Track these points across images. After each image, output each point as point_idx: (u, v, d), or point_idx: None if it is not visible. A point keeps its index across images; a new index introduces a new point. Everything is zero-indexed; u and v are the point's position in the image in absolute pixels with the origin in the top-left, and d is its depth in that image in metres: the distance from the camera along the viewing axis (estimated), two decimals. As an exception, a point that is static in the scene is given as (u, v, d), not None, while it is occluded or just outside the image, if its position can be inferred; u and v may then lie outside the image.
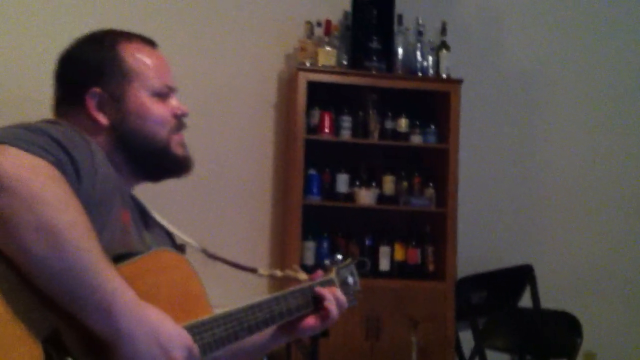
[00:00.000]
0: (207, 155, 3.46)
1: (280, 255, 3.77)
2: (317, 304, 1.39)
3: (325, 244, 3.65)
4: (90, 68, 1.23)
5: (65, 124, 1.13)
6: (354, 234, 3.71)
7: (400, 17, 3.72)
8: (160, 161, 1.27)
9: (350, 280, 1.51)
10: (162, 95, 1.27)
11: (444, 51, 3.68)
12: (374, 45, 3.64)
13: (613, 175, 4.18)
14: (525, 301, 3.87)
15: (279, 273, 1.45)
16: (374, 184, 3.69)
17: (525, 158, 4.13)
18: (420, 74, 3.70)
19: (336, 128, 3.65)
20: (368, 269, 1.55)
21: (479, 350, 3.65)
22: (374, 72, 3.62)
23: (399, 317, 3.48)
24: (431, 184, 3.71)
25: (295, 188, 3.52)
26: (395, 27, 3.71)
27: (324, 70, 3.57)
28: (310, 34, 3.64)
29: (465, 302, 3.70)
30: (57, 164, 0.99)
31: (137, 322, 0.99)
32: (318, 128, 3.62)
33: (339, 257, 1.50)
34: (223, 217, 3.75)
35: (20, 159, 0.95)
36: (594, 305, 4.03)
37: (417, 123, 3.70)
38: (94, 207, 1.05)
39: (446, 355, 3.55)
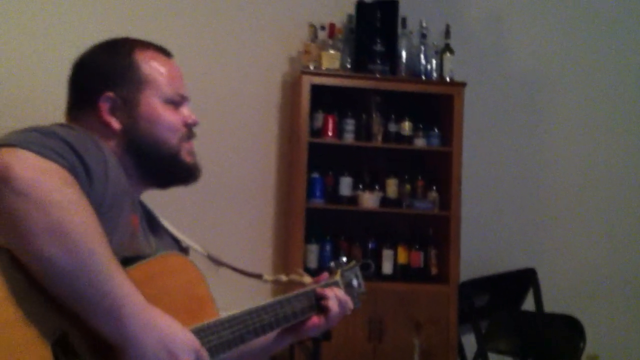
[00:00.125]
0: (210, 158, 3.43)
1: (283, 258, 3.77)
2: (319, 303, 1.41)
3: (328, 247, 3.66)
4: (105, 73, 1.24)
5: (78, 128, 1.14)
6: (357, 237, 3.71)
7: (404, 20, 3.73)
8: (169, 168, 1.28)
9: (355, 282, 1.52)
10: (175, 103, 1.28)
11: (448, 54, 3.69)
12: (378, 48, 3.64)
13: (616, 178, 4.18)
14: (528, 304, 3.88)
15: (284, 278, 1.46)
16: (377, 187, 3.69)
17: (529, 161, 4.13)
18: (423, 77, 3.70)
19: (339, 131, 3.65)
20: (372, 272, 1.55)
21: (481, 354, 3.65)
22: (377, 75, 3.62)
23: (402, 320, 3.48)
24: (434, 187, 3.71)
25: (299, 191, 3.52)
26: (399, 30, 3.71)
27: (328, 74, 3.58)
28: (314, 37, 3.65)
29: (468, 305, 3.70)
30: (70, 168, 1.00)
31: (145, 327, 1.00)
32: (321, 131, 3.63)
33: (344, 259, 1.51)
34: (226, 220, 3.75)
35: (33, 162, 0.96)
36: (597, 308, 4.03)
37: (421, 126, 3.71)
38: (105, 211, 1.05)
39: (449, 358, 3.54)
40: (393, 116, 3.71)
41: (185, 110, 1.30)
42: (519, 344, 3.71)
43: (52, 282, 0.96)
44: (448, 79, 3.68)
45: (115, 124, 1.23)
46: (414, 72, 3.71)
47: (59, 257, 0.94)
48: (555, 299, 3.88)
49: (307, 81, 3.53)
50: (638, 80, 4.27)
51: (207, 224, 3.64)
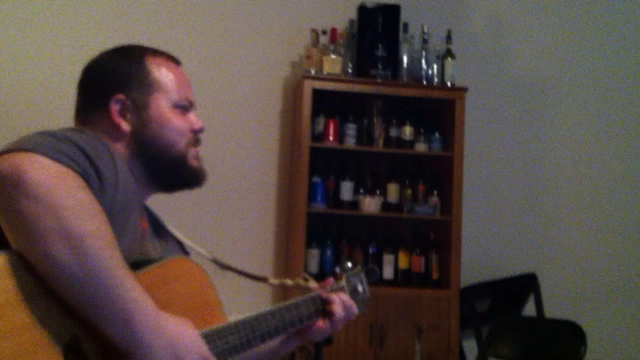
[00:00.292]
0: (211, 162, 3.44)
1: (284, 262, 3.77)
2: (325, 308, 1.42)
3: (329, 252, 3.65)
4: (116, 76, 1.26)
5: (89, 133, 1.15)
6: (358, 242, 3.71)
7: (405, 25, 3.73)
8: (176, 171, 1.29)
9: (360, 288, 1.52)
10: (183, 108, 1.30)
11: (449, 59, 3.69)
12: (380, 53, 3.65)
13: (619, 184, 4.18)
14: (530, 310, 3.87)
15: (289, 282, 1.47)
16: (378, 192, 3.69)
17: (530, 166, 4.13)
18: (425, 82, 3.70)
19: (341, 135, 3.65)
20: (377, 277, 1.56)
21: (482, 359, 3.64)
22: (379, 80, 3.62)
23: (403, 325, 3.48)
24: (436, 192, 3.72)
25: (300, 195, 3.52)
26: (401, 35, 3.72)
27: (330, 78, 3.58)
28: (316, 42, 3.66)
29: (469, 310, 3.69)
30: (82, 173, 1.01)
31: (154, 333, 1.00)
32: (323, 135, 3.63)
33: (349, 264, 1.51)
34: (227, 224, 3.75)
35: (47, 167, 0.97)
36: (598, 313, 4.03)
37: (422, 131, 3.71)
38: (115, 216, 1.06)
39: (450, 363, 3.54)
40: (394, 121, 3.71)
41: (192, 116, 1.32)
42: (520, 349, 3.70)
43: (62, 287, 0.96)
44: (449, 84, 3.68)
45: (125, 125, 1.24)
46: (416, 77, 3.72)
47: (69, 261, 0.94)
48: (557, 304, 3.88)
49: (308, 86, 3.54)
50: (640, 85, 4.28)
51: (209, 228, 3.64)
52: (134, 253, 1.12)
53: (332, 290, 1.44)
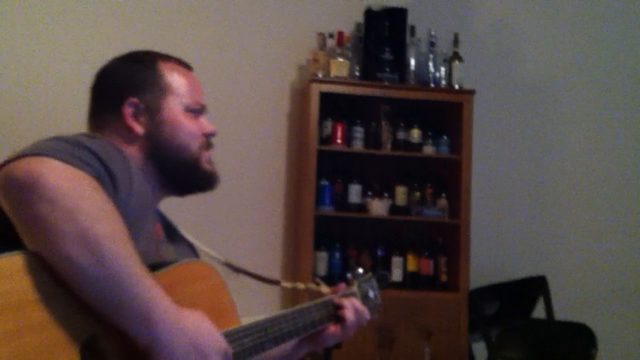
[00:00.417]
0: (219, 165, 3.47)
1: (292, 265, 3.77)
2: (337, 313, 1.42)
3: (337, 255, 3.65)
4: (129, 80, 1.27)
5: (103, 138, 1.16)
6: (366, 245, 3.71)
7: (412, 28, 3.73)
8: (189, 174, 1.30)
9: (371, 294, 1.52)
10: (195, 112, 1.32)
11: (457, 62, 3.69)
12: (387, 56, 3.65)
13: (628, 186, 4.17)
14: (539, 312, 3.86)
15: (301, 285, 1.47)
16: (386, 195, 3.69)
17: (538, 169, 4.12)
18: (432, 85, 3.70)
19: (348, 139, 3.65)
20: (388, 283, 1.56)
21: (492, 362, 3.63)
22: (386, 83, 3.63)
23: (412, 328, 3.47)
24: (444, 195, 3.71)
25: (308, 198, 3.52)
26: (408, 39, 3.72)
27: (337, 81, 3.58)
28: (323, 45, 3.66)
29: (478, 313, 3.68)
30: (97, 176, 1.02)
31: (175, 330, 1.01)
32: (330, 139, 3.63)
33: (360, 270, 1.51)
34: (235, 227, 3.75)
35: (62, 171, 0.98)
36: (609, 316, 4.01)
37: (430, 134, 3.71)
38: (130, 220, 1.06)
39: (459, 366, 3.54)
40: (402, 124, 3.71)
41: (204, 120, 1.34)
42: (529, 352, 3.70)
43: (81, 287, 0.97)
44: (457, 87, 3.68)
45: (139, 128, 1.25)
46: (423, 80, 3.72)
47: (87, 263, 0.95)
48: (567, 306, 3.87)
49: (316, 89, 3.54)
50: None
51: (217, 231, 3.65)
52: (149, 257, 1.13)
53: (344, 296, 1.44)
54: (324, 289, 1.46)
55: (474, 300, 3.64)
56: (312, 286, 1.46)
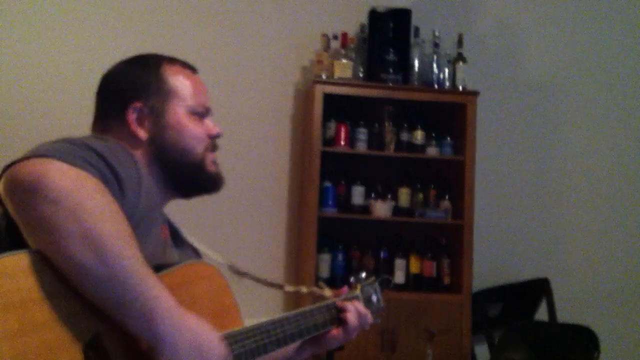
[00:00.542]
0: (223, 167, 3.47)
1: (295, 267, 3.77)
2: (339, 316, 1.43)
3: (340, 256, 3.65)
4: (133, 84, 1.28)
5: (111, 140, 1.17)
6: (370, 246, 3.71)
7: (416, 29, 3.73)
8: (194, 177, 1.30)
9: (374, 298, 1.53)
10: (199, 114, 1.32)
11: (460, 63, 3.69)
12: (390, 57, 3.65)
13: (632, 187, 4.16)
14: (542, 315, 3.86)
15: (304, 289, 1.47)
16: (389, 196, 3.69)
17: (542, 170, 4.12)
18: (436, 86, 3.70)
19: (352, 140, 3.65)
20: (391, 287, 1.56)
21: (495, 364, 3.63)
22: (390, 84, 3.62)
23: (415, 330, 3.47)
24: (447, 196, 3.71)
25: (311, 200, 3.52)
26: (412, 40, 3.72)
27: (340, 83, 3.58)
28: (327, 46, 3.66)
29: (481, 315, 3.68)
30: (102, 178, 1.02)
31: (178, 328, 1.02)
32: (334, 140, 3.63)
33: (363, 275, 1.52)
34: (238, 229, 3.75)
35: (66, 172, 0.98)
36: (612, 318, 4.01)
37: (433, 135, 3.71)
38: (138, 222, 1.07)
39: (462, 368, 3.53)
40: (405, 125, 3.71)
41: (209, 122, 1.34)
42: (532, 354, 3.70)
43: (85, 286, 0.97)
44: (461, 88, 3.68)
45: (142, 133, 1.26)
46: (427, 81, 3.72)
47: (91, 262, 0.96)
48: (569, 309, 3.86)
49: (319, 90, 3.54)
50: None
51: (220, 232, 3.65)
52: (156, 259, 1.13)
53: (347, 299, 1.45)
54: (327, 292, 1.46)
55: (477, 302, 3.64)
56: (316, 290, 1.46)
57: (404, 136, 3.71)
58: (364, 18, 3.76)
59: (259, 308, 3.49)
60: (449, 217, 3.67)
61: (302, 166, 3.77)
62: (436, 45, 3.73)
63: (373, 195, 3.68)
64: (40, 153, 1.00)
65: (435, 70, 3.71)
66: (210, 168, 1.32)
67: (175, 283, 1.11)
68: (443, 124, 3.77)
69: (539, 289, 3.84)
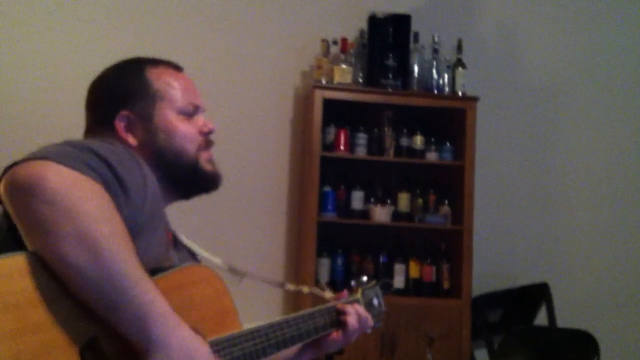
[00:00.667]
0: (222, 171, 3.47)
1: (295, 271, 3.77)
2: (339, 318, 1.42)
3: (340, 261, 3.65)
4: (119, 92, 1.28)
5: (117, 143, 1.17)
6: (369, 251, 3.71)
7: (416, 34, 3.74)
8: (191, 177, 1.30)
9: (376, 301, 1.53)
10: (188, 113, 1.31)
11: (460, 69, 3.70)
12: (390, 62, 3.66)
13: (631, 192, 4.16)
14: (542, 320, 3.86)
15: (305, 289, 1.47)
16: (389, 201, 3.69)
17: (542, 175, 4.12)
18: (436, 92, 3.71)
19: (352, 145, 3.66)
20: (392, 291, 1.56)
21: (494, 369, 3.62)
22: (389, 90, 3.63)
23: (414, 335, 3.46)
24: (447, 201, 3.71)
25: (311, 205, 3.53)
26: (411, 45, 3.72)
27: (340, 88, 3.59)
28: (327, 51, 3.67)
29: (481, 320, 3.68)
30: (102, 181, 1.02)
31: (171, 335, 1.01)
32: (334, 145, 3.63)
33: (364, 278, 1.51)
34: (238, 233, 3.75)
35: (65, 175, 0.98)
36: (611, 323, 4.00)
37: (433, 140, 3.71)
38: (143, 225, 1.07)
39: (462, 373, 3.53)
40: (405, 130, 3.72)
41: (200, 120, 1.33)
42: (531, 359, 3.69)
43: (80, 289, 0.97)
44: (460, 93, 3.68)
45: (132, 140, 1.26)
46: (426, 86, 3.73)
47: (86, 264, 0.96)
48: (569, 313, 3.86)
49: (319, 95, 3.54)
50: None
51: (220, 237, 3.65)
52: (160, 262, 1.13)
53: (348, 302, 1.44)
54: (328, 294, 1.46)
55: (477, 307, 3.63)
56: (317, 291, 1.46)
57: (404, 141, 3.71)
58: (363, 23, 3.77)
59: (258, 310, 3.49)
60: (449, 222, 3.68)
61: (302, 171, 3.78)
62: (436, 50, 3.74)
63: (373, 200, 3.68)
64: (39, 155, 1.00)
65: (435, 75, 3.72)
66: (206, 167, 1.31)
67: (173, 285, 1.11)
68: (442, 129, 3.77)
69: (539, 293, 3.83)
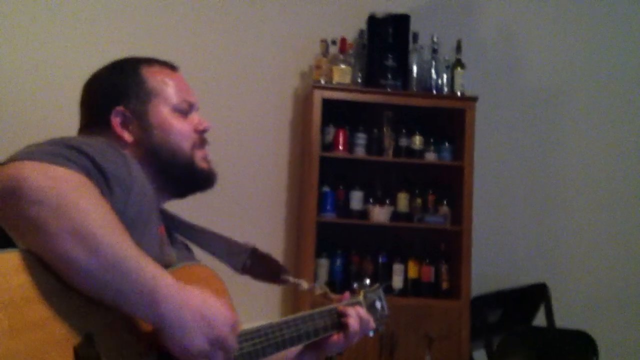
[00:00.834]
0: (221, 171, 3.47)
1: (294, 272, 3.74)
2: (340, 320, 1.41)
3: (339, 261, 3.65)
4: (114, 89, 1.28)
5: (100, 138, 1.16)
6: (368, 252, 3.70)
7: (415, 35, 3.73)
8: (185, 175, 1.30)
9: (378, 304, 1.52)
10: (183, 111, 1.31)
11: (459, 69, 3.70)
12: (389, 63, 3.66)
13: (631, 193, 4.17)
14: (540, 320, 3.85)
15: (305, 285, 1.46)
16: (388, 202, 3.69)
17: (541, 176, 4.12)
18: (435, 92, 3.71)
19: (351, 145, 3.66)
20: (392, 294, 1.56)
21: (493, 369, 3.62)
22: (388, 90, 3.63)
23: (413, 335, 3.46)
24: (446, 202, 3.71)
25: (310, 205, 3.52)
26: (411, 45, 3.72)
27: (339, 88, 3.59)
28: (326, 52, 3.66)
29: (480, 320, 3.68)
30: (84, 172, 1.01)
31: (180, 304, 1.00)
32: (333, 145, 3.63)
33: (367, 281, 1.51)
34: (237, 233, 3.72)
35: (44, 171, 0.97)
36: (610, 323, 4.00)
37: (432, 140, 3.71)
38: (131, 220, 1.06)
39: (460, 373, 3.53)
40: (404, 130, 3.72)
41: (195, 118, 1.33)
42: (531, 360, 3.69)
43: (81, 281, 0.96)
44: (459, 94, 3.68)
45: (128, 136, 1.26)
46: (425, 86, 3.72)
47: (82, 255, 0.94)
48: (567, 314, 3.86)
49: (318, 95, 3.54)
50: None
51: (218, 237, 3.64)
52: (156, 259, 1.12)
53: (349, 304, 1.44)
54: (329, 295, 1.46)
55: (476, 307, 3.63)
56: (317, 289, 1.46)
57: (403, 141, 3.71)
58: (362, 24, 3.77)
59: (256, 311, 3.50)
60: (448, 223, 3.67)
61: (301, 171, 3.78)
62: (435, 50, 3.74)
63: (372, 200, 3.68)
64: (19, 157, 0.99)
65: (434, 75, 3.72)
66: (201, 165, 1.31)
67: None
68: (442, 130, 3.77)
69: (538, 294, 3.83)
